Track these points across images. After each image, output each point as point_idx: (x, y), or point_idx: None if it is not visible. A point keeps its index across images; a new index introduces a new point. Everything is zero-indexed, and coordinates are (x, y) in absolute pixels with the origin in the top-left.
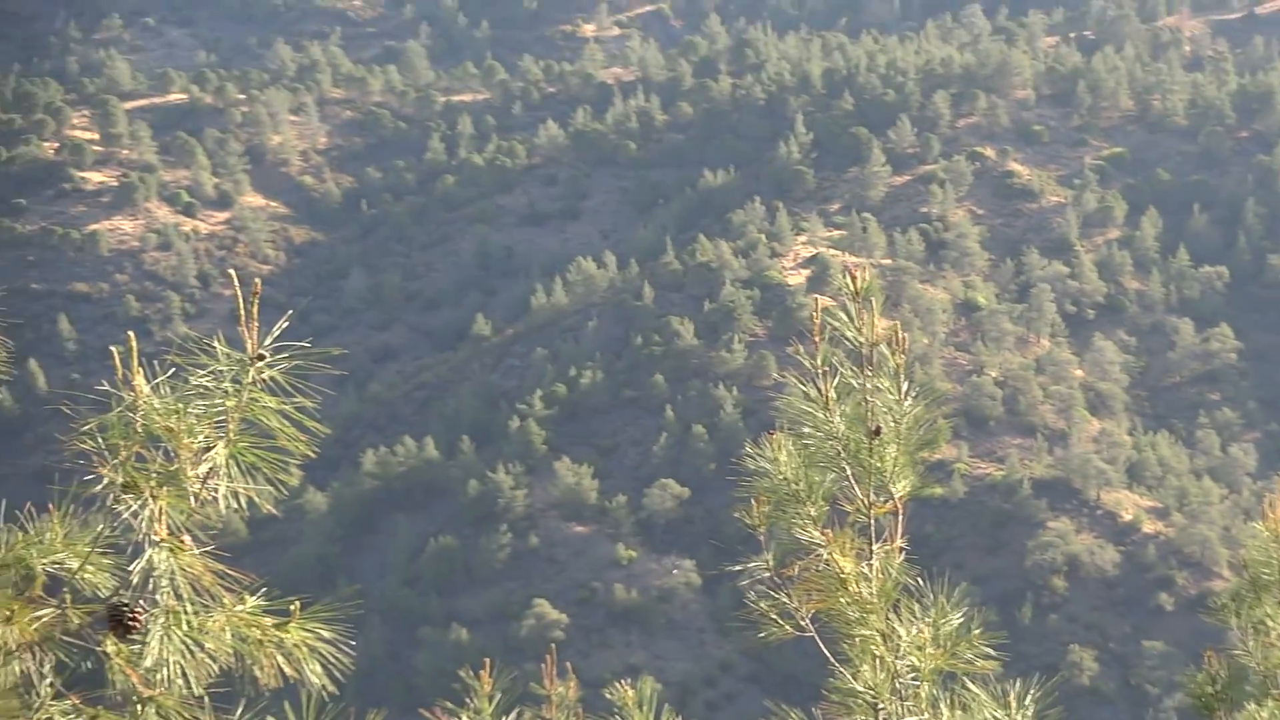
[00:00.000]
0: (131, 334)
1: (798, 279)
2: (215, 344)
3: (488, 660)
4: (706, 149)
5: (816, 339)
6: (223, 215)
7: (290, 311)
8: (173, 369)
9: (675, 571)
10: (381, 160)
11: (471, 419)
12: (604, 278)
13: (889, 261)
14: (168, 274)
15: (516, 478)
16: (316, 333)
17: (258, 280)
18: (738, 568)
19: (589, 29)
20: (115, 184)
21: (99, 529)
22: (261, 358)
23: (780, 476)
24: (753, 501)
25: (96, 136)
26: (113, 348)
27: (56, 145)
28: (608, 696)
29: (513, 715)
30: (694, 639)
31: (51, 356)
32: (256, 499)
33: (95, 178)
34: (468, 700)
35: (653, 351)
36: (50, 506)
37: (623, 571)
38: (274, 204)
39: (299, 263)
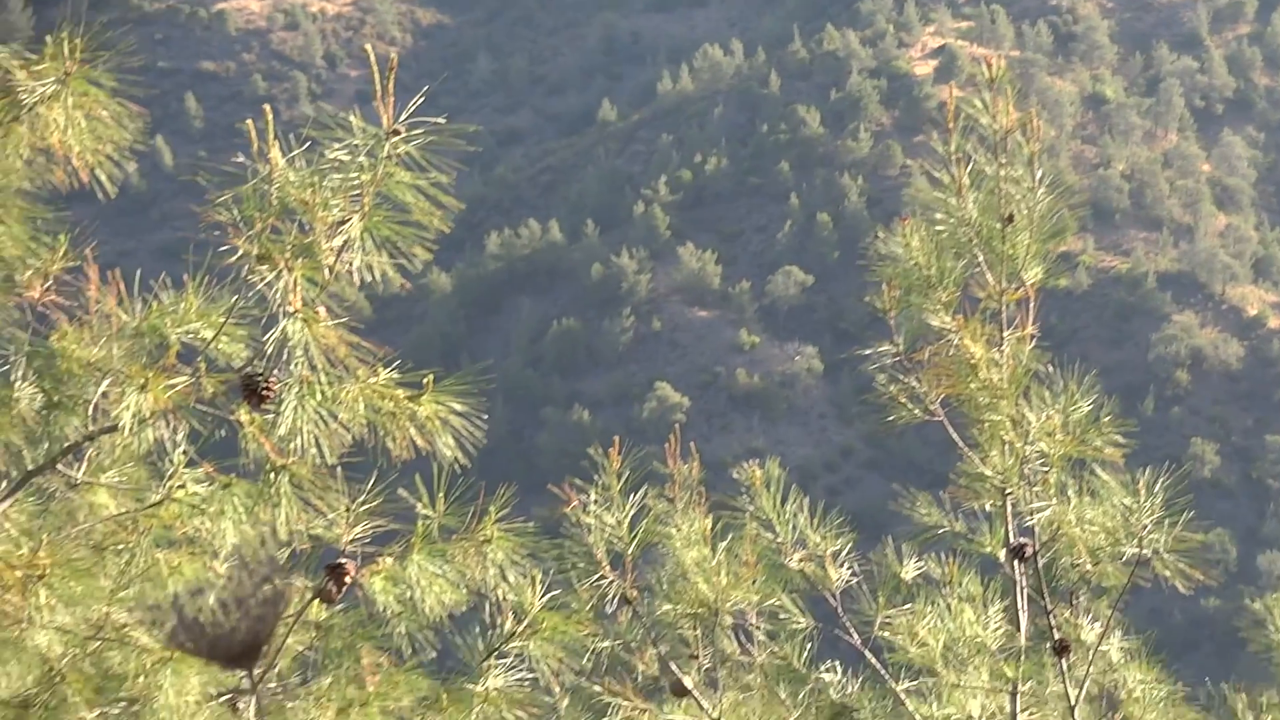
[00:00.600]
0: (267, 108)
1: (925, 69)
2: (351, 118)
3: (616, 439)
4: None
5: (950, 125)
6: None
7: (425, 87)
8: (308, 143)
9: (797, 357)
10: None
11: (596, 203)
12: (730, 65)
13: (1017, 54)
14: (294, 54)
15: (640, 262)
16: (443, 115)
17: (393, 55)
18: (867, 351)
19: None
20: None
21: (233, 300)
22: (396, 133)
23: (912, 261)
24: (884, 286)
25: None
26: (248, 122)
27: None
28: (734, 476)
29: (639, 493)
30: (815, 424)
31: (178, 134)
32: (390, 273)
33: None
34: (595, 477)
35: (778, 139)
36: (185, 279)
37: (745, 357)
38: None
39: (425, 45)
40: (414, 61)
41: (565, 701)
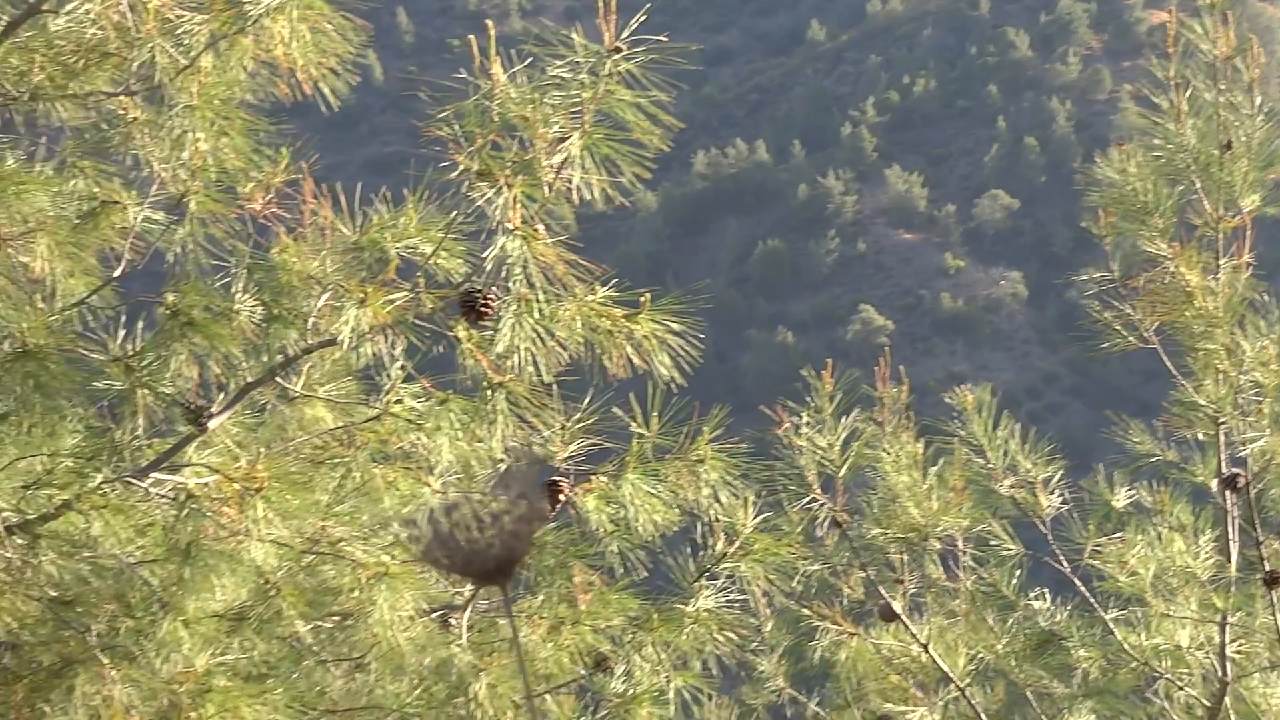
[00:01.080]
0: (489, 23)
1: None
2: (573, 35)
3: (829, 361)
4: None
5: (1170, 50)
6: None
7: (646, 5)
8: (528, 60)
9: (1003, 282)
10: None
11: (803, 124)
12: None
13: None
14: None
15: (846, 183)
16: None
17: None
18: (1082, 277)
19: None
20: None
21: (453, 215)
22: (618, 50)
23: (1129, 187)
24: (1099, 211)
25: None
26: (469, 38)
27: None
28: (947, 401)
29: (849, 416)
30: (1019, 350)
31: (389, 49)
32: (609, 191)
33: None
34: (806, 399)
35: (986, 62)
36: (404, 193)
37: (950, 280)
38: None
39: None
40: None
41: (770, 624)
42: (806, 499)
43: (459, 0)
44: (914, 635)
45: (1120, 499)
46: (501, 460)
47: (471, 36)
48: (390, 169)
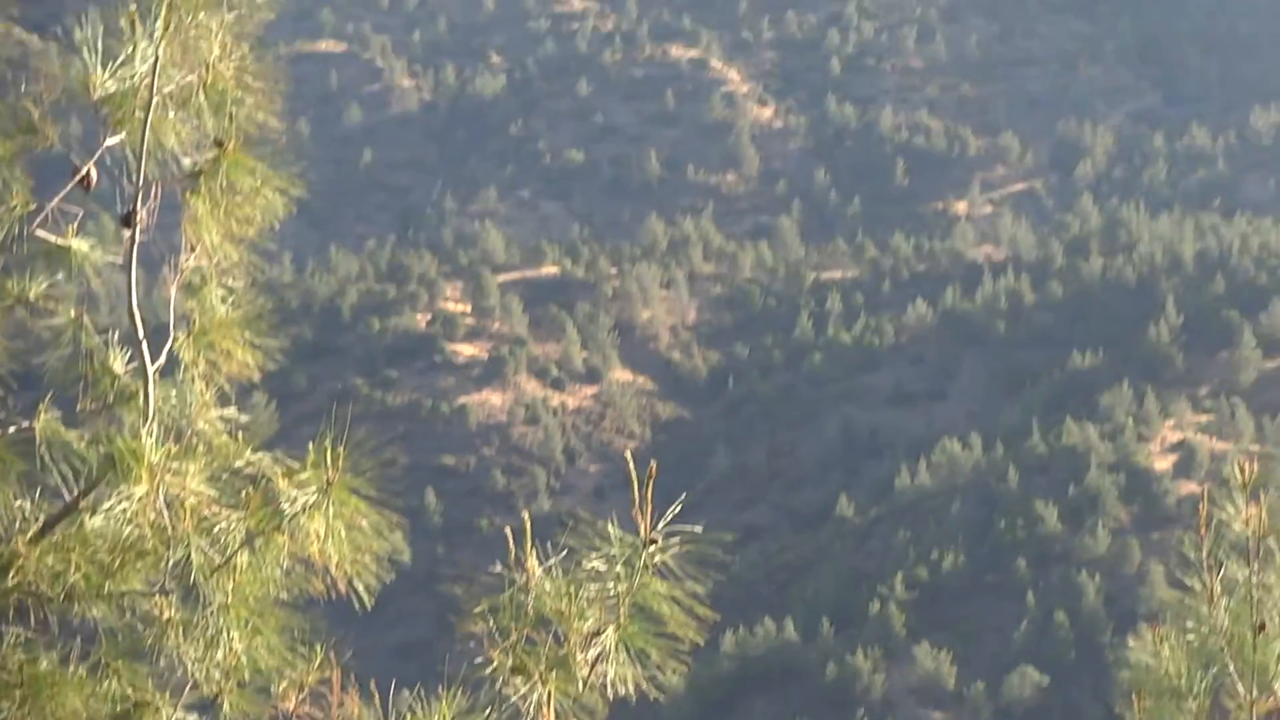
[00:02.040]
0: (526, 514)
1: (1164, 464)
2: (609, 528)
3: None
4: (1075, 330)
5: (1202, 532)
6: (590, 390)
7: (683, 494)
8: (565, 550)
9: None
10: (750, 337)
11: (832, 601)
12: (969, 459)
13: (1257, 447)
14: (534, 448)
15: (875, 661)
16: (681, 511)
17: (653, 463)
18: None
19: (961, 206)
20: (485, 357)
21: (487, 713)
22: (653, 541)
23: (1163, 671)
24: (1133, 696)
25: (469, 309)
26: (506, 529)
27: (429, 317)
28: None
29: None
30: None
31: (419, 530)
32: (643, 684)
33: (466, 350)
34: None
35: (1015, 536)
36: (440, 688)
37: None
38: (641, 379)
39: (664, 439)
40: (653, 455)
41: None
42: None
43: (487, 480)
44: None
45: None
46: None
47: (507, 528)
48: (418, 653)
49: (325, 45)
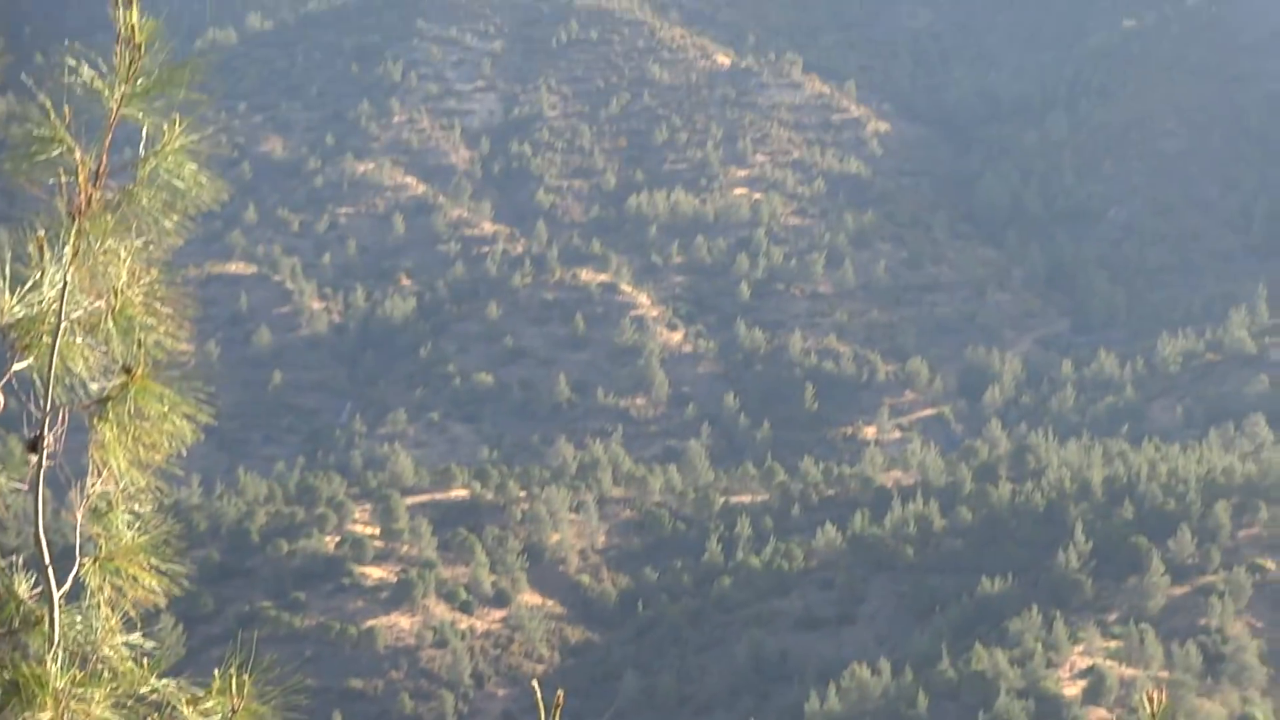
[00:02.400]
0: None
1: (1074, 690)
2: None
3: None
4: (984, 555)
5: None
6: (499, 613)
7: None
8: None
9: None
10: (659, 561)
11: None
12: (878, 685)
13: (1166, 674)
14: (443, 672)
15: None
16: None
17: (560, 692)
18: None
19: (870, 431)
20: (394, 580)
21: None
22: None
23: None
24: None
25: (377, 532)
26: None
27: (337, 540)
28: None
29: None
30: None
31: None
32: None
33: (374, 573)
34: None
35: None
36: None
37: None
38: (550, 602)
39: (573, 663)
40: (561, 679)
41: None
42: None
43: (395, 704)
44: None
45: None
46: None
47: None
48: None
49: (235, 267)
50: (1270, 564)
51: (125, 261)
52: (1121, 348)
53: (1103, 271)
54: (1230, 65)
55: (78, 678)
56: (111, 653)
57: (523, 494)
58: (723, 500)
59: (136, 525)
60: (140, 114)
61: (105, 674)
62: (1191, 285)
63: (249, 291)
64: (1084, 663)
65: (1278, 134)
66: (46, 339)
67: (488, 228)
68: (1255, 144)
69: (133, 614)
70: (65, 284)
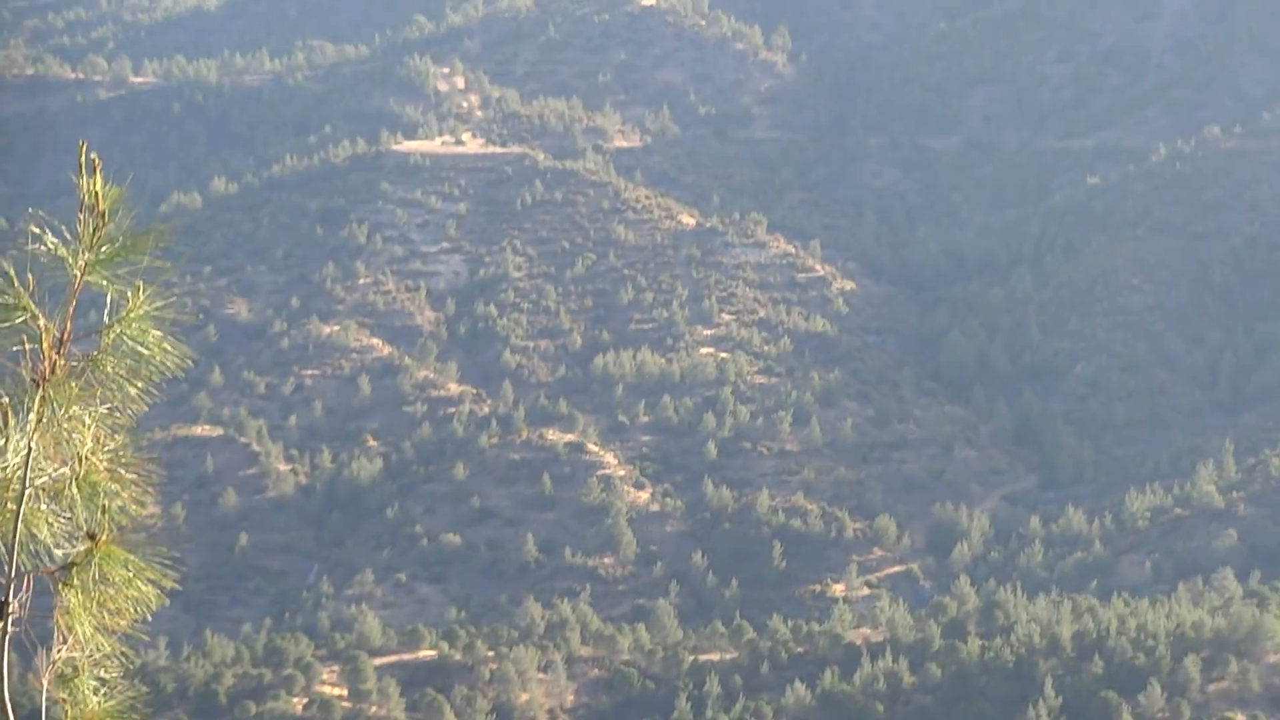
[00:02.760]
0: None
1: None
2: None
3: None
4: (954, 712)
5: None
6: None
7: None
8: None
9: None
10: (628, 719)
11: None
12: None
13: None
14: None
15: None
16: None
17: None
18: None
19: (838, 589)
20: None
21: None
22: None
23: None
24: None
25: (345, 693)
26: None
27: (305, 701)
28: None
29: None
30: None
31: None
32: None
33: None
34: None
35: None
36: None
37: None
38: None
39: None
40: None
41: None
42: None
43: None
44: None
45: None
46: None
47: None
48: None
49: (201, 429)
50: (1240, 718)
51: (90, 428)
52: (1089, 503)
53: (1070, 427)
54: (1194, 221)
55: None
56: None
57: (491, 654)
58: (691, 659)
59: (103, 691)
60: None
61: None
62: (1159, 440)
63: (215, 454)
64: None
65: (1242, 289)
66: (11, 505)
67: (454, 388)
68: (1220, 300)
69: None
70: (30, 450)
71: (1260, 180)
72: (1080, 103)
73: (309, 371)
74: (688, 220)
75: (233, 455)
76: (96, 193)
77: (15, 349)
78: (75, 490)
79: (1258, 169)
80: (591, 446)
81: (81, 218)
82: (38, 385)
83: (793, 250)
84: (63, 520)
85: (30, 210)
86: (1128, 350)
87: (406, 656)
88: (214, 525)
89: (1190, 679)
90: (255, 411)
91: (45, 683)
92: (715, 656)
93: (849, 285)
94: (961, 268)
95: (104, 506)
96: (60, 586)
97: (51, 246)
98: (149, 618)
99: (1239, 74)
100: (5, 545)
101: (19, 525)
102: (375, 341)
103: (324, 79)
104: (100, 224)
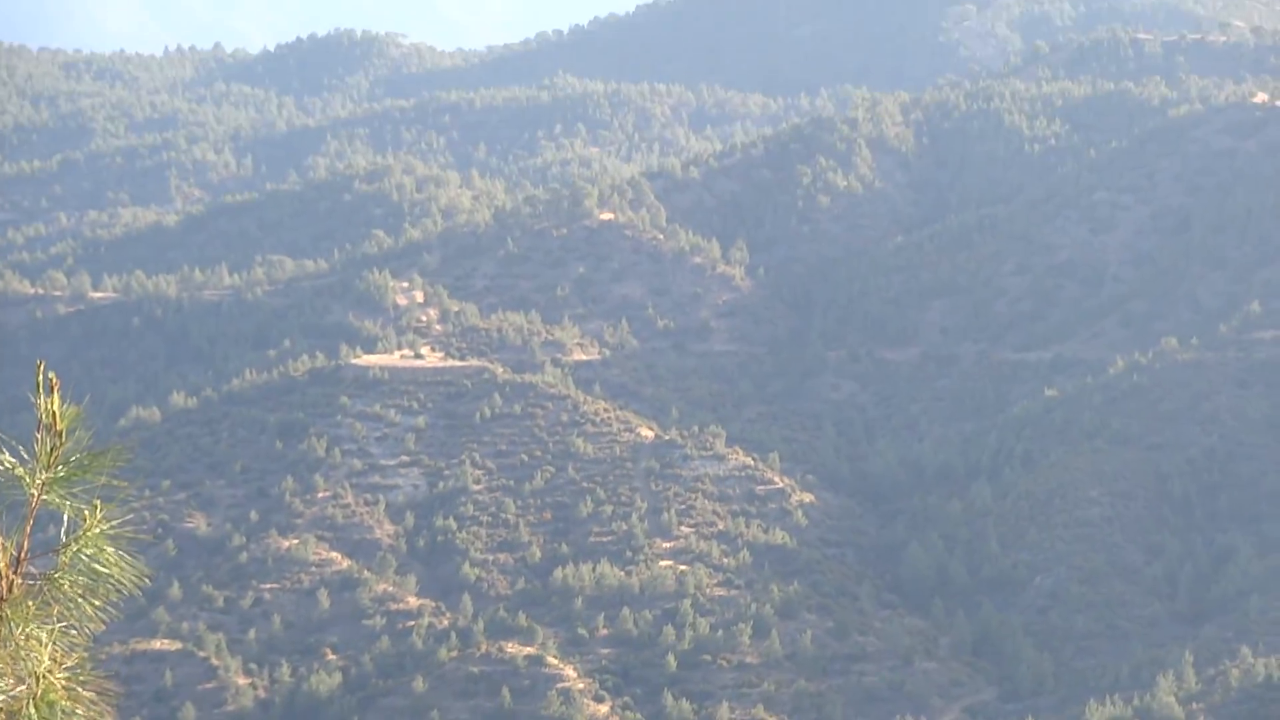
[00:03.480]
0: None
1: None
2: None
3: None
4: None
5: None
6: None
7: None
8: None
9: None
10: None
11: None
12: None
13: None
14: None
15: None
16: None
17: None
18: None
19: None
20: None
21: None
22: None
23: None
24: None
25: None
26: None
27: None
28: None
29: None
30: None
31: None
32: None
33: None
34: None
35: None
36: None
37: None
38: None
39: None
40: None
41: None
42: None
43: None
44: None
45: None
46: None
47: None
48: None
49: (160, 644)
50: None
51: (47, 646)
52: (1050, 715)
53: (1029, 639)
54: (1151, 433)
55: None
56: None
57: None
58: None
59: None
60: (62, 499)
61: None
62: (1119, 652)
63: (174, 668)
64: None
65: (1200, 500)
66: None
67: (413, 602)
68: (1178, 511)
69: None
70: None
71: (1217, 391)
72: (1037, 315)
73: (268, 585)
74: (646, 433)
75: (191, 669)
76: (54, 412)
77: None
78: (33, 709)
79: (1215, 380)
80: (551, 659)
81: (39, 436)
82: None
83: (751, 463)
84: None
85: None
86: (1086, 562)
87: None
88: None
89: None
90: (214, 625)
91: None
92: None
93: (808, 497)
94: (920, 479)
95: None
96: None
97: (9, 465)
98: None
99: (1196, 286)
100: None
101: None
102: (334, 555)
103: (283, 293)
104: (58, 443)
